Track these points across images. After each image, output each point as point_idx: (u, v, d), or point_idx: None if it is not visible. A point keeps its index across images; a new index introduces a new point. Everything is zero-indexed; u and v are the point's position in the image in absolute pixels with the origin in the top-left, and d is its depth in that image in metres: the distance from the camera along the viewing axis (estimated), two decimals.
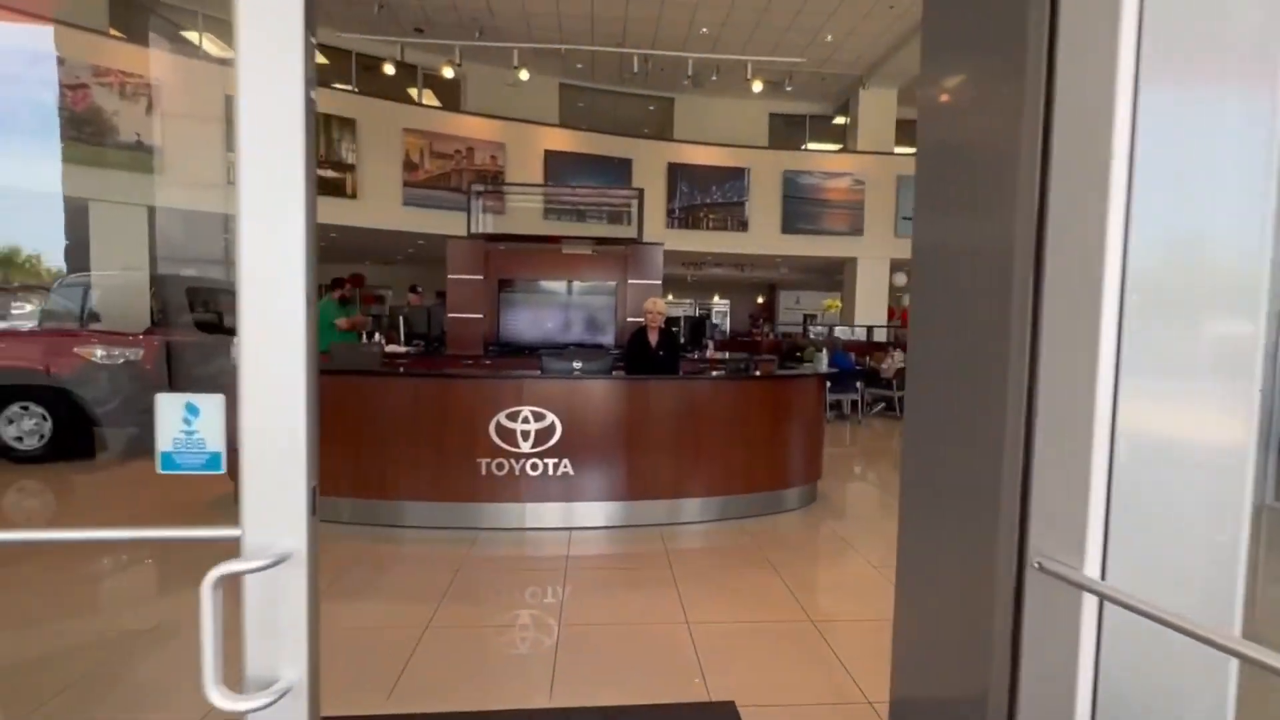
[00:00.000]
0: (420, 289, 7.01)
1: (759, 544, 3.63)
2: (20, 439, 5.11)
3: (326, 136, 9.13)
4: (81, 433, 5.24)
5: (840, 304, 11.87)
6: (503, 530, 3.73)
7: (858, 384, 8.05)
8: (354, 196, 9.39)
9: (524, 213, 9.58)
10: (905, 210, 11.98)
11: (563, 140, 10.86)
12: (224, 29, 10.12)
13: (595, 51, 11.14)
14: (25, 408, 5.11)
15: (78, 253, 8.19)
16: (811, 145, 13.59)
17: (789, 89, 12.67)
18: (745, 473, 3.98)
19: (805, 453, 4.26)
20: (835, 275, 14.39)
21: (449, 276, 5.83)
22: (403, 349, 6.07)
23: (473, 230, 6.08)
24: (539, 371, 3.88)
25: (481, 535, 3.67)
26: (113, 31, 8.67)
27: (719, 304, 18.61)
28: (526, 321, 6.13)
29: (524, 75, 9.00)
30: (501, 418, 3.68)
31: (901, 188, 11.90)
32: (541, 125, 10.84)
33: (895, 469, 6.03)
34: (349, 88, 10.49)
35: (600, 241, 6.66)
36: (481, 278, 5.88)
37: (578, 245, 7.04)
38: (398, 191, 9.67)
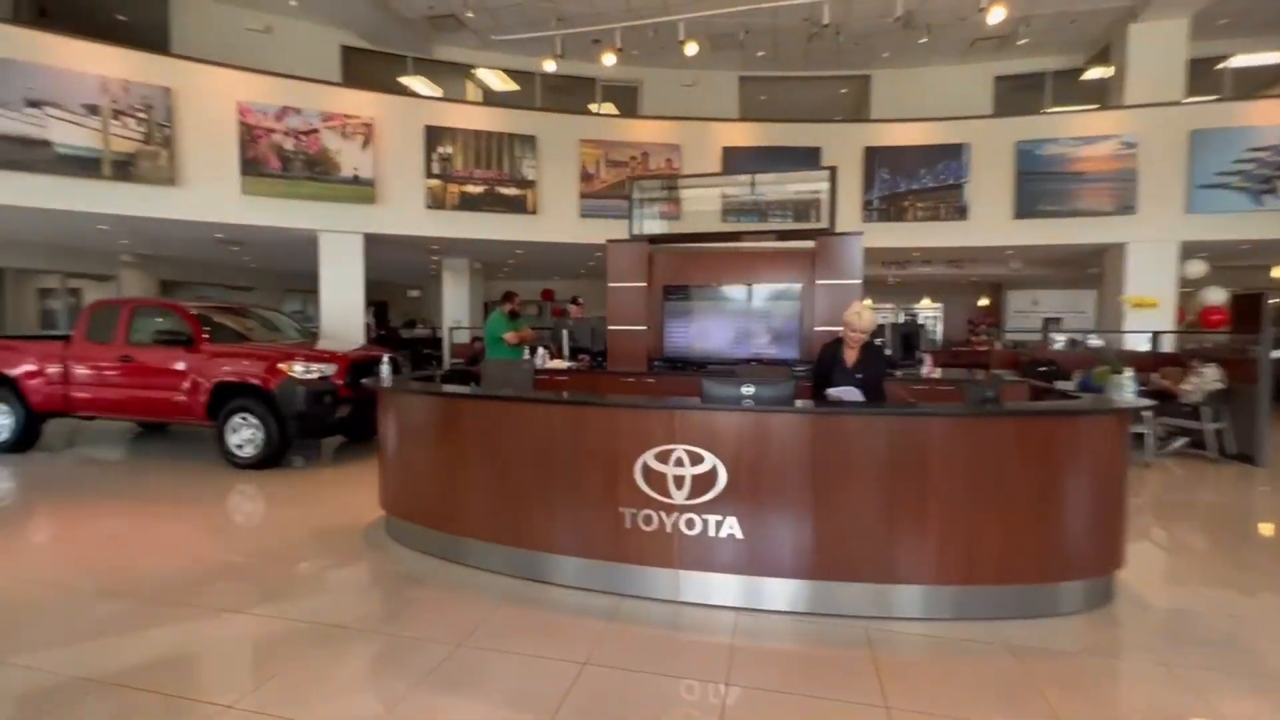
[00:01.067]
0: (582, 300, 6.64)
1: (1026, 671, 2.35)
2: (240, 446, 5.63)
3: (510, 154, 9.37)
4: (284, 441, 5.63)
5: (1153, 301, 9.14)
6: (651, 601, 2.93)
7: (1143, 412, 5.89)
8: (534, 213, 9.50)
9: (699, 216, 8.87)
10: (1203, 177, 8.94)
11: (742, 134, 9.97)
12: (432, 70, 11.04)
13: (779, 34, 10.10)
14: (244, 418, 5.61)
15: (310, 278, 9.37)
16: (1056, 109, 10.94)
17: (1022, 42, 10.32)
18: (998, 553, 2.70)
19: (1096, 528, 2.82)
20: (1088, 268, 11.41)
21: (609, 284, 5.28)
22: (563, 365, 5.66)
23: (634, 232, 5.47)
24: (697, 399, 3.02)
25: (625, 604, 2.91)
26: (342, 81, 9.85)
27: (928, 309, 16.08)
28: (695, 333, 5.35)
29: (691, 48, 8.26)
30: (649, 458, 2.89)
31: (1197, 147, 8.92)
32: (719, 121, 10.08)
33: (1242, 542, 4.06)
34: (529, 107, 10.78)
35: (783, 235, 5.64)
36: (644, 284, 5.24)
37: (756, 240, 6.09)
38: (575, 203, 9.60)
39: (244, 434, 5.62)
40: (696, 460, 2.84)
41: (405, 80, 10.72)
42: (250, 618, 2.78)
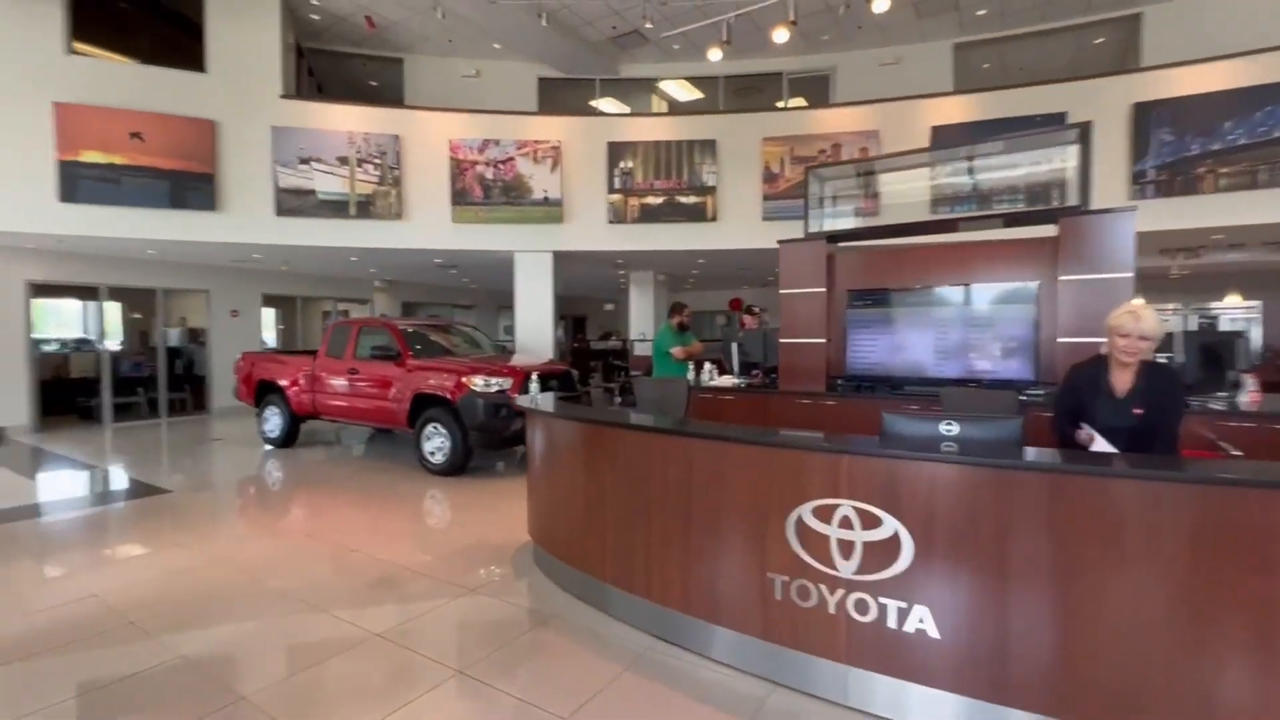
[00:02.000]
0: (759, 309, 6.01)
1: None
2: (432, 454, 6.07)
3: (689, 162, 9.11)
4: (467, 451, 5.93)
5: None
6: (810, 698, 2.27)
7: None
8: (714, 219, 9.11)
9: (898, 210, 7.65)
10: None
11: (956, 109, 8.45)
12: (618, 90, 11.32)
13: None
14: (436, 427, 6.05)
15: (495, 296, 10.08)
16: None
17: None
18: None
19: None
20: None
21: (780, 291, 4.61)
22: (730, 381, 5.10)
23: (810, 230, 4.71)
24: (873, 439, 2.28)
25: (776, 696, 2.29)
26: (537, 110, 10.52)
27: (1235, 308, 12.11)
28: (888, 346, 4.41)
29: (881, 2, 7.19)
30: (804, 513, 2.24)
31: None
32: (926, 99, 8.66)
33: None
34: (708, 111, 10.42)
35: (1014, 220, 4.44)
36: (823, 290, 4.47)
37: (974, 228, 4.89)
38: (757, 206, 9.00)
39: (435, 442, 6.04)
40: (871, 522, 2.12)
41: (594, 103, 11.12)
42: (363, 634, 2.73)
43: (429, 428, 6.08)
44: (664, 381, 4.07)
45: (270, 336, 13.56)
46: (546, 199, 9.13)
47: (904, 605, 2.07)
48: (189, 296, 11.09)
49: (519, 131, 9.06)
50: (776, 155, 9.01)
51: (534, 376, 3.93)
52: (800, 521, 2.26)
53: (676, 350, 5.59)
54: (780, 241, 4.58)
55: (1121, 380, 2.42)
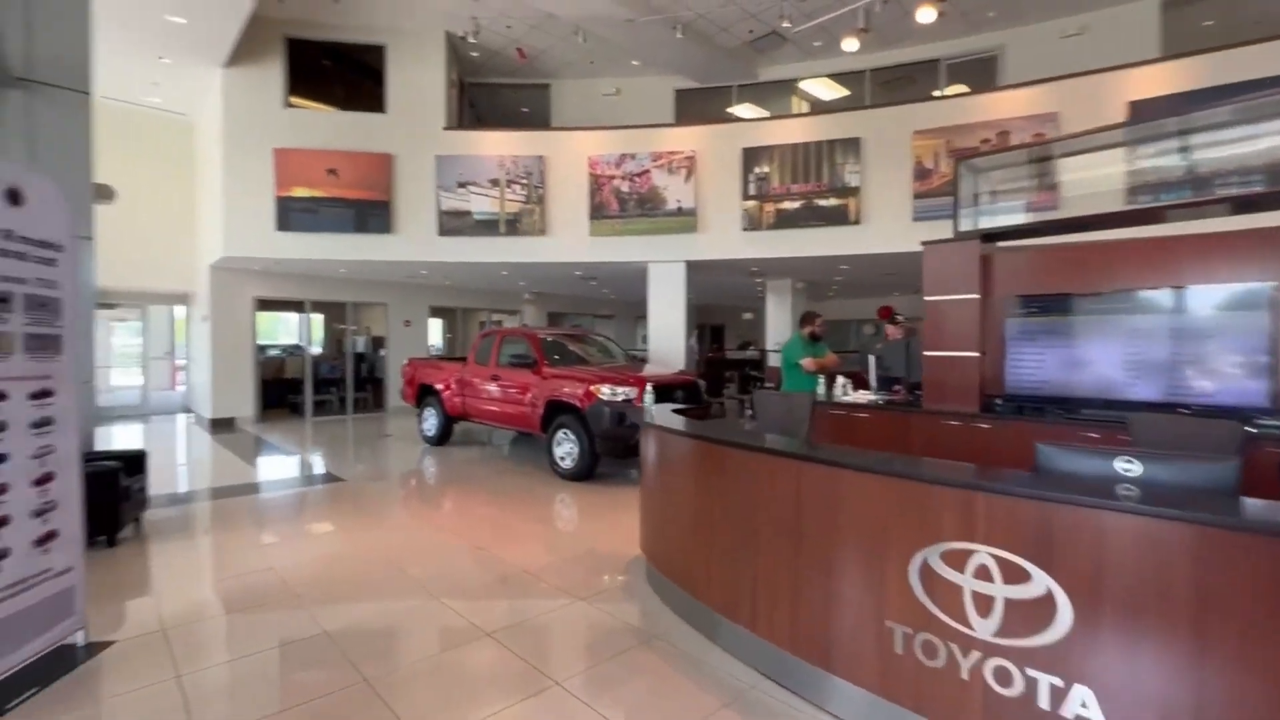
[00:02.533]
0: (902, 318, 5.42)
1: None
2: (562, 459, 6.29)
3: (829, 163, 8.61)
4: (594, 458, 6.06)
5: None
6: None
7: None
8: (857, 222, 8.51)
9: (1080, 202, 6.55)
10: None
11: (1163, 79, 7.07)
12: (756, 94, 11.08)
13: None
14: (565, 433, 6.27)
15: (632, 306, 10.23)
16: None
17: None
18: None
19: None
20: None
21: (924, 299, 4.10)
22: (866, 397, 4.66)
23: (960, 228, 4.15)
24: (1023, 474, 1.90)
25: None
26: (674, 121, 10.62)
27: None
28: (1061, 361, 3.73)
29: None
30: (932, 556, 1.93)
31: None
32: (1121, 69, 7.36)
33: None
34: (850, 108, 9.76)
35: (1245, 205, 3.57)
36: (977, 296, 3.90)
37: (1186, 217, 4.02)
38: (907, 206, 8.25)
39: (565, 447, 6.26)
40: (1015, 576, 1.76)
41: (732, 109, 10.99)
42: (476, 632, 2.82)
43: (560, 433, 6.31)
44: (786, 396, 3.81)
45: (437, 343, 15.13)
46: (680, 209, 9.16)
47: (1059, 682, 1.68)
48: (372, 308, 12.70)
49: (654, 144, 9.19)
50: (930, 149, 8.21)
51: (650, 387, 3.88)
52: (926, 566, 1.95)
53: (806, 362, 5.24)
54: (924, 243, 4.10)
55: None
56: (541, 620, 3.09)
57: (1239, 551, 1.47)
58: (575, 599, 3.32)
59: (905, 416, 4.15)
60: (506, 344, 7.37)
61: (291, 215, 9.04)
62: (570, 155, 9.32)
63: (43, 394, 2.59)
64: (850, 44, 6.89)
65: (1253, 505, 1.60)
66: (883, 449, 4.19)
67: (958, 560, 1.87)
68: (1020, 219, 4.43)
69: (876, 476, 2.08)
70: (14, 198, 2.47)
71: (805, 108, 10.96)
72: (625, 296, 15.60)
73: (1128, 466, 1.79)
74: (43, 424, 2.58)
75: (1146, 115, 6.94)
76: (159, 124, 10.79)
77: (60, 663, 2.62)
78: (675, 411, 3.87)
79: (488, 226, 9.39)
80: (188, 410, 11.83)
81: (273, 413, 11.36)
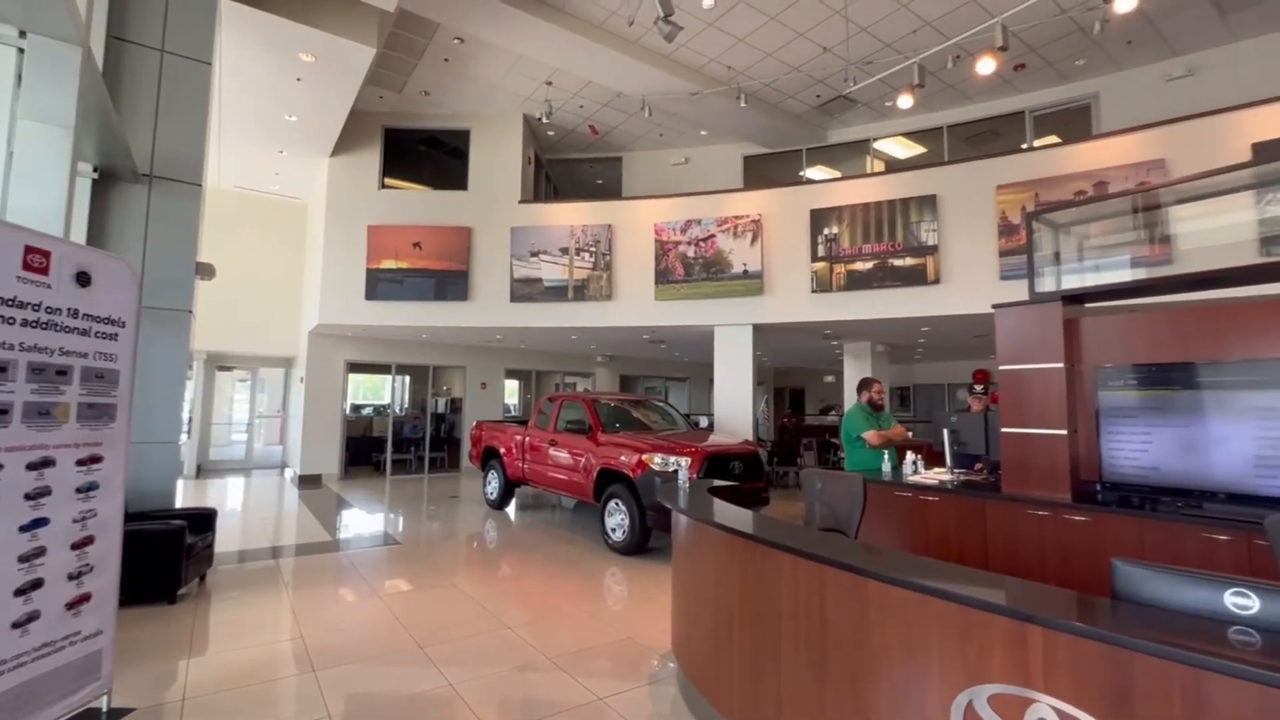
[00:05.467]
0: (979, 388, 4.84)
1: None
2: (613, 530, 6.05)
3: (903, 221, 8.22)
4: (645, 531, 5.77)
5: None
6: None
7: None
8: (936, 282, 7.98)
9: (1195, 256, 5.76)
10: None
11: None
12: (827, 156, 10.96)
13: None
14: (617, 503, 6.04)
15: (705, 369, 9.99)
16: None
17: None
18: None
19: None
20: None
21: (999, 367, 3.61)
22: (937, 478, 4.12)
23: (1037, 289, 3.67)
24: (1102, 603, 1.50)
25: None
26: (743, 186, 10.65)
27: None
28: (1173, 443, 3.12)
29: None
30: (978, 699, 1.54)
31: None
32: (1242, 109, 6.59)
33: None
34: (922, 165, 9.35)
35: None
36: (1061, 365, 3.39)
37: None
38: (992, 264, 7.65)
39: (617, 519, 6.03)
40: None
41: (804, 172, 10.90)
42: None
43: (611, 504, 6.10)
44: (838, 476, 3.43)
45: (514, 405, 15.52)
46: (746, 272, 9.01)
47: None
48: (451, 371, 13.28)
49: (719, 209, 9.20)
50: (1016, 204, 7.64)
51: (683, 459, 3.63)
52: (971, 710, 1.55)
53: (870, 435, 4.78)
54: (996, 306, 3.67)
55: None
56: None
57: None
58: (596, 698, 3.02)
59: (982, 502, 3.61)
60: (566, 408, 7.35)
61: (379, 285, 9.72)
62: (636, 223, 9.50)
63: (91, 460, 2.74)
64: (905, 101, 6.64)
65: None
66: (953, 542, 3.67)
67: (1011, 708, 1.48)
68: (1113, 278, 3.91)
69: (906, 591, 1.72)
70: (83, 279, 2.71)
71: (880, 167, 10.68)
72: (697, 359, 15.42)
73: (1243, 602, 1.36)
74: (88, 489, 2.73)
75: (1274, 157, 6.13)
76: (278, 208, 12.15)
77: None
78: (714, 490, 3.59)
79: (556, 292, 9.65)
80: (286, 466, 12.68)
81: (357, 470, 11.93)
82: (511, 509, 8.43)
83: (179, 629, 3.83)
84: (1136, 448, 3.25)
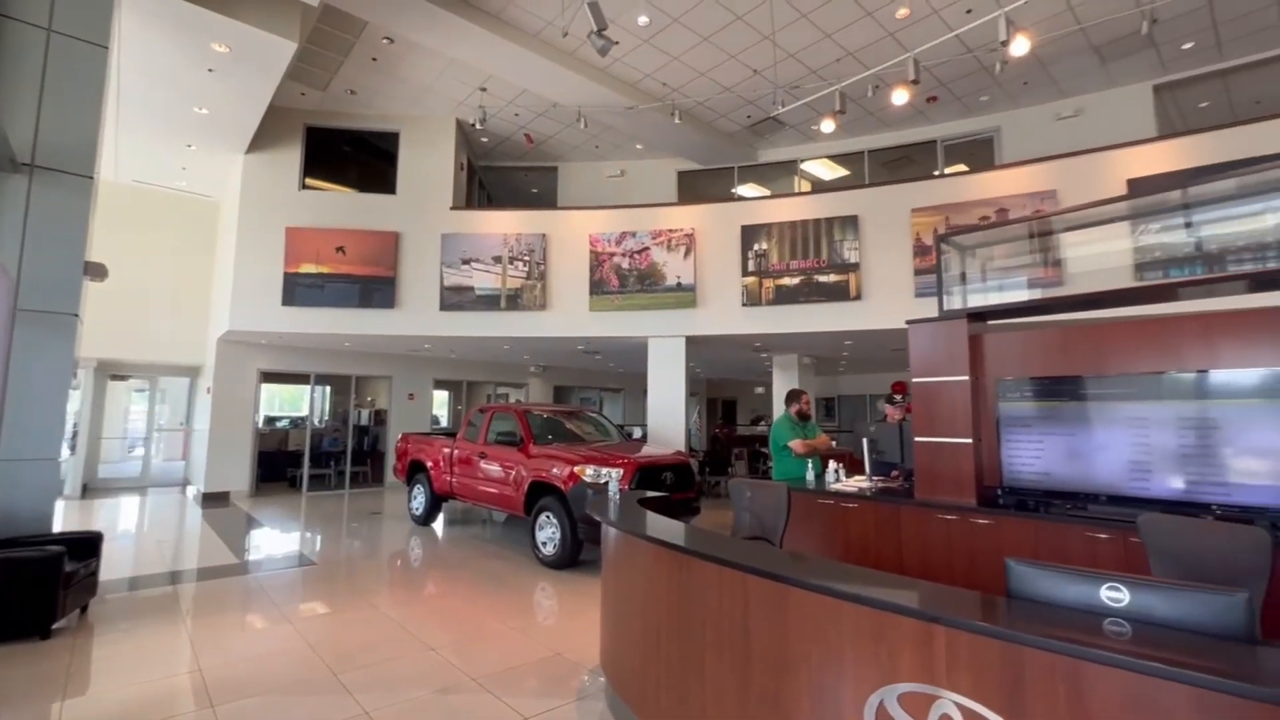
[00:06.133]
0: (899, 398, 5.13)
1: None
2: (544, 544, 5.95)
3: (828, 239, 8.61)
4: (576, 544, 5.71)
5: None
6: None
7: None
8: (858, 298, 8.39)
9: (1093, 278, 6.36)
10: None
11: (1160, 157, 7.01)
12: (758, 175, 11.34)
13: (1217, 6, 7.04)
14: (548, 517, 5.95)
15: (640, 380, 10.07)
16: None
17: None
18: None
19: None
20: None
21: (913, 379, 3.85)
22: (857, 485, 4.32)
23: (945, 307, 3.95)
24: (997, 600, 1.60)
25: None
26: (676, 200, 10.84)
27: None
28: (1062, 451, 3.41)
29: (1020, 44, 6.30)
30: (888, 699, 1.61)
31: None
32: (1120, 148, 7.34)
33: None
34: (847, 186, 9.86)
35: (1262, 283, 3.33)
36: (966, 378, 3.65)
37: (1197, 295, 3.82)
38: (908, 282, 8.13)
39: (548, 532, 5.93)
40: None
41: (735, 189, 11.21)
42: None
43: (542, 517, 6.00)
44: (763, 486, 3.52)
45: (443, 417, 15.04)
46: (679, 284, 9.15)
47: None
48: (376, 381, 12.73)
49: (654, 222, 9.31)
50: (929, 226, 8.15)
51: (615, 470, 3.63)
52: (883, 710, 1.62)
53: (795, 444, 4.95)
54: (909, 322, 3.90)
55: None
56: None
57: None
58: (522, 718, 2.94)
59: (897, 508, 3.80)
60: (497, 420, 7.19)
61: (298, 290, 9.22)
62: (571, 233, 9.48)
63: None
64: (828, 125, 6.99)
65: (1271, 658, 1.29)
66: (871, 547, 3.84)
67: (918, 706, 1.55)
68: (1013, 297, 4.23)
69: (822, 597, 1.78)
70: None
71: (807, 187, 11.15)
72: (632, 370, 15.49)
73: (1115, 595, 1.49)
74: None
75: (1145, 192, 6.86)
76: (186, 205, 11.32)
77: None
78: (644, 501, 3.60)
79: (489, 301, 9.46)
80: (188, 484, 11.73)
81: (270, 486, 11.20)
82: (439, 524, 8.15)
83: (53, 667, 3.45)
84: (1031, 454, 3.52)
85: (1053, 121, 9.15)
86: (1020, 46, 5.03)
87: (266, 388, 11.40)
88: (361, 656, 3.65)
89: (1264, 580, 2.20)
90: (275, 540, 7.25)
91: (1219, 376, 3.05)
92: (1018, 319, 4.07)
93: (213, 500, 9.85)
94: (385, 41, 8.00)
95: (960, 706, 1.48)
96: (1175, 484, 3.08)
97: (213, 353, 10.48)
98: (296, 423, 12.80)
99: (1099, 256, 6.67)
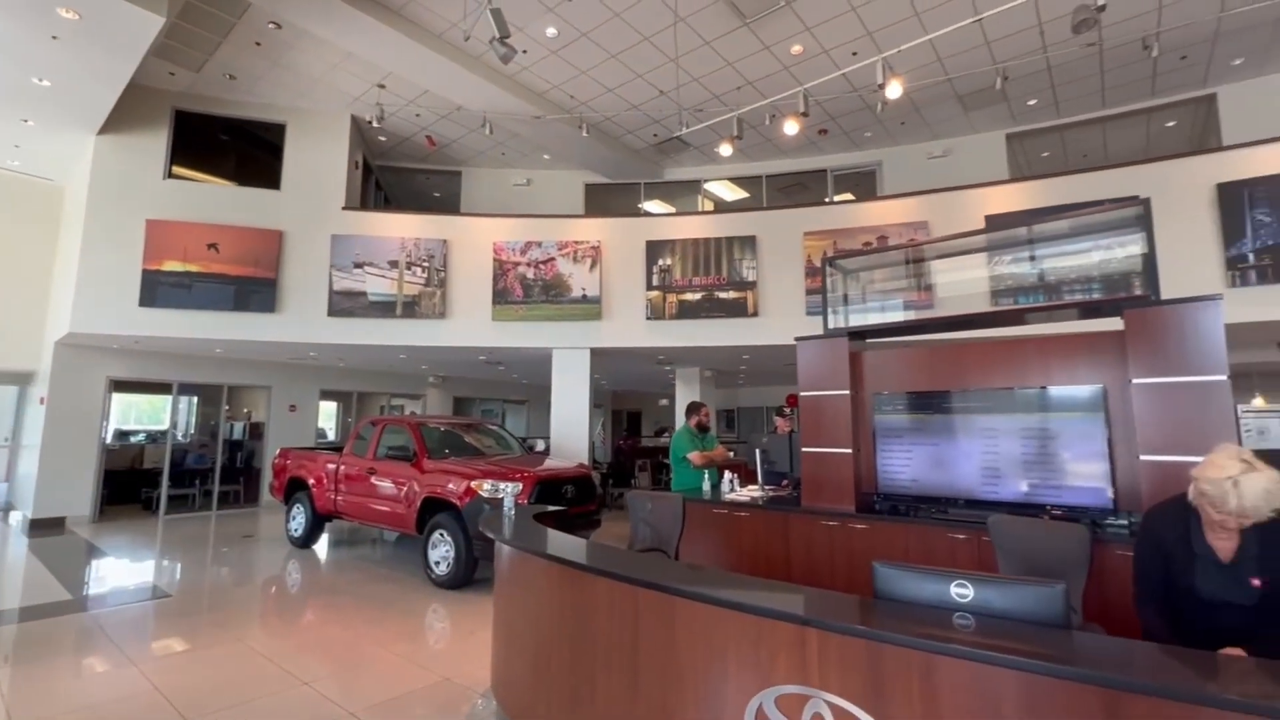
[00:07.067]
0: (789, 411, 5.44)
1: None
2: (437, 564, 5.68)
3: (728, 258, 8.96)
4: (471, 562, 5.51)
5: None
6: None
7: None
8: (755, 314, 8.78)
9: (958, 303, 7.08)
10: None
11: (1011, 197, 7.95)
12: (663, 192, 11.61)
13: (1057, 72, 8.10)
14: (442, 534, 5.70)
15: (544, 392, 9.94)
16: None
17: None
18: None
19: None
20: None
21: (800, 393, 4.10)
22: (750, 495, 4.51)
23: (830, 325, 4.25)
24: (865, 602, 1.71)
25: None
26: (584, 213, 10.86)
27: None
28: (926, 460, 3.75)
29: (893, 89, 6.92)
30: (766, 702, 1.67)
31: None
32: (978, 188, 8.25)
33: None
34: (747, 208, 10.38)
35: (1083, 311, 3.81)
36: (846, 392, 3.93)
37: (1039, 321, 4.37)
38: (800, 301, 8.62)
39: (441, 550, 5.68)
40: None
41: (642, 205, 11.41)
42: None
43: (435, 535, 5.74)
44: (659, 498, 3.57)
45: (331, 430, 14.03)
46: (585, 296, 9.15)
47: None
48: (252, 391, 11.68)
49: (561, 233, 9.27)
50: (819, 249, 8.71)
51: (513, 485, 3.54)
52: (762, 713, 1.68)
53: (694, 456, 5.08)
54: (797, 339, 4.14)
55: (1225, 546, 1.76)
56: None
57: (1073, 701, 1.31)
58: None
59: (785, 516, 4.00)
60: (388, 433, 6.81)
61: (160, 290, 8.29)
62: (475, 240, 9.23)
63: None
64: (726, 149, 7.30)
65: (1083, 640, 1.47)
66: (762, 554, 4.00)
67: (793, 707, 1.62)
68: (890, 318, 4.60)
69: (708, 606, 1.83)
70: None
71: (710, 206, 11.56)
72: (537, 382, 15.26)
73: (962, 591, 1.65)
74: None
75: (999, 227, 7.74)
76: (19, 188, 9.88)
77: None
78: (541, 515, 3.54)
79: (383, 308, 8.98)
80: (12, 509, 10.12)
81: (118, 509, 9.93)
82: (321, 546, 7.56)
83: None
84: (902, 463, 3.83)
85: (925, 159, 10.10)
86: (894, 90, 5.52)
87: (120, 398, 10.15)
88: (221, 698, 3.30)
89: (1085, 570, 2.51)
90: (122, 571, 6.41)
91: (1055, 392, 3.48)
92: (893, 338, 4.44)
93: (43, 527, 8.57)
94: (271, 26, 7.44)
95: (831, 705, 1.57)
96: (1020, 488, 3.46)
97: (49, 357, 9.16)
98: (155, 437, 11.45)
99: (964, 283, 7.47)
